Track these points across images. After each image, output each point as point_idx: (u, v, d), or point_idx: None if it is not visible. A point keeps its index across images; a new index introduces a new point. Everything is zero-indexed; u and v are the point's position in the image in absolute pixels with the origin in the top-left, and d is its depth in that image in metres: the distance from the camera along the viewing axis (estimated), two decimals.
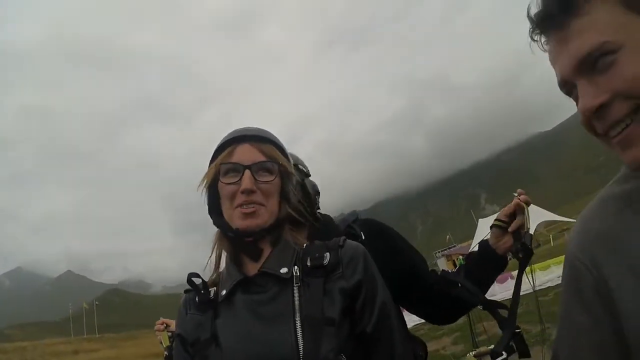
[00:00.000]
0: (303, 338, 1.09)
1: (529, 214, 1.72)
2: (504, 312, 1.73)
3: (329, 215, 1.86)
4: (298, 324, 1.11)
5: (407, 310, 1.84)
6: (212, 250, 1.32)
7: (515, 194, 1.76)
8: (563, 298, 0.92)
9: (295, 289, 1.17)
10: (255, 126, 1.34)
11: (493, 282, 1.78)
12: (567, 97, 0.85)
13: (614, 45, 0.76)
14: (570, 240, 0.94)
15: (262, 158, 1.26)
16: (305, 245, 1.31)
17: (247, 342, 1.12)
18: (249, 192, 1.21)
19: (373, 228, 1.79)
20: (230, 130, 1.35)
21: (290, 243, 1.30)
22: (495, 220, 1.78)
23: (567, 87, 0.86)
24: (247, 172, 1.22)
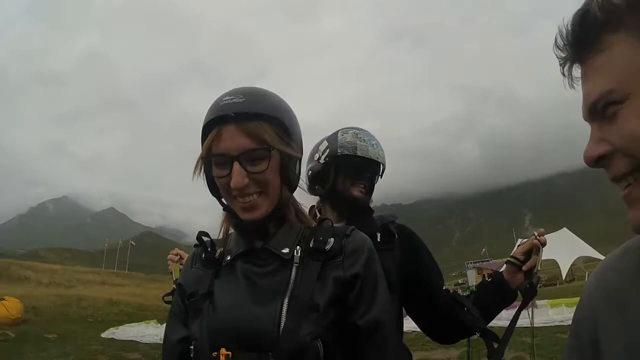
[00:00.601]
0: (286, 317, 1.10)
1: (542, 254, 1.77)
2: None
3: (370, 211, 1.94)
4: (285, 303, 1.12)
5: (410, 316, 1.89)
6: (220, 228, 1.31)
7: (535, 233, 1.81)
8: (567, 340, 0.91)
9: (294, 269, 1.17)
10: (243, 90, 1.17)
11: (498, 313, 1.80)
12: None
13: (620, 94, 0.69)
14: (587, 283, 0.91)
15: (250, 145, 1.12)
16: (313, 226, 1.29)
17: (238, 308, 1.15)
18: (240, 188, 1.14)
19: (406, 232, 1.87)
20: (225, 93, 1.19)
21: (296, 224, 1.27)
22: (510, 257, 1.81)
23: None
24: (236, 166, 1.12)
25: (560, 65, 0.78)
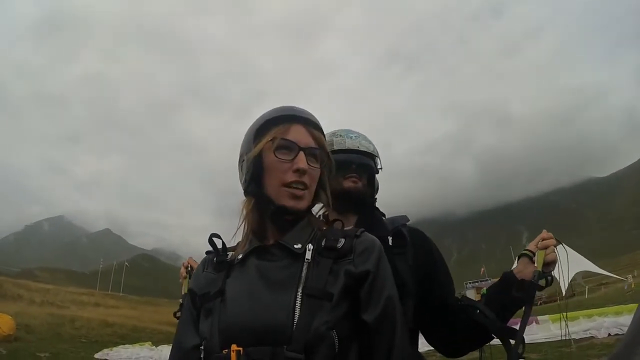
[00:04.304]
0: (300, 308, 1.13)
1: (564, 259, 1.74)
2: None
3: (378, 215, 1.92)
4: (299, 294, 1.15)
5: (422, 330, 1.79)
6: (242, 220, 1.35)
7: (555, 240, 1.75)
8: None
9: (305, 265, 1.21)
10: (305, 109, 1.37)
11: (514, 312, 1.69)
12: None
13: None
14: None
15: (313, 144, 1.31)
16: (325, 228, 1.35)
17: (249, 301, 1.17)
18: (303, 171, 1.26)
19: (419, 236, 1.84)
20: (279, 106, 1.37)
21: (312, 223, 1.35)
22: (526, 249, 1.74)
23: None
24: (302, 153, 1.27)
25: None
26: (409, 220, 1.87)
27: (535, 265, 1.67)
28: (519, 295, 1.63)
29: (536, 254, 1.70)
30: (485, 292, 1.80)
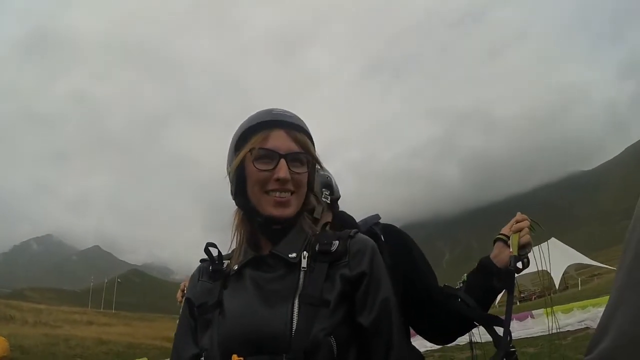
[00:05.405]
0: (298, 317, 1.13)
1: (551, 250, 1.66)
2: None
3: (351, 216, 1.92)
4: (296, 304, 1.15)
5: (409, 321, 1.80)
6: (233, 231, 1.35)
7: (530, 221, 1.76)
8: (626, 263, 0.85)
9: (301, 274, 1.21)
10: (289, 111, 1.33)
11: (495, 296, 1.72)
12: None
13: None
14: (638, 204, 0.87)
15: (296, 148, 1.27)
16: (318, 232, 1.36)
17: (247, 314, 1.17)
18: (284, 181, 1.23)
19: (393, 233, 1.85)
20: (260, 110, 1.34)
21: (305, 229, 1.33)
22: (500, 234, 1.77)
23: None
24: (283, 161, 1.24)
25: None
26: (380, 218, 1.88)
27: (511, 250, 1.67)
28: (499, 286, 1.67)
29: (510, 237, 1.70)
30: (465, 279, 1.82)
